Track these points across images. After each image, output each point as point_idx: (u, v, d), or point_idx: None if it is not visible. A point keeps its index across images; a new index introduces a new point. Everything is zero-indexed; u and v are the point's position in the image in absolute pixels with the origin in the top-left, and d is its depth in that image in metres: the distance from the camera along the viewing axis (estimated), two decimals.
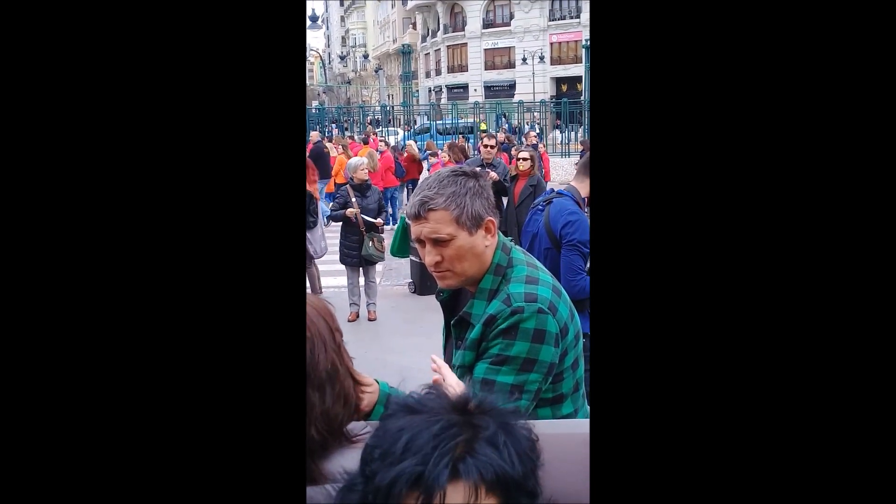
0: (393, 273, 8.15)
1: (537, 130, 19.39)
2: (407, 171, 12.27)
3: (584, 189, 3.02)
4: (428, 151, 13.41)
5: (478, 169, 1.88)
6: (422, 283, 6.83)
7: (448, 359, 1.67)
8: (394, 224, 8.76)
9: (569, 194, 3.02)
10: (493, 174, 6.47)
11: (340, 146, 13.00)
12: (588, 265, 2.91)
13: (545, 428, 1.32)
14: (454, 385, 1.20)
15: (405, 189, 12.51)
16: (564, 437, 1.24)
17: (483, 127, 22.72)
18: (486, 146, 7.16)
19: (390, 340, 5.62)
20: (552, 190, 3.19)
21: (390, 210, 10.62)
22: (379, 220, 6.11)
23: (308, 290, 2.46)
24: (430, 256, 1.50)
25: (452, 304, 1.71)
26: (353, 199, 6.03)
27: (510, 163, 7.30)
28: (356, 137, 17.56)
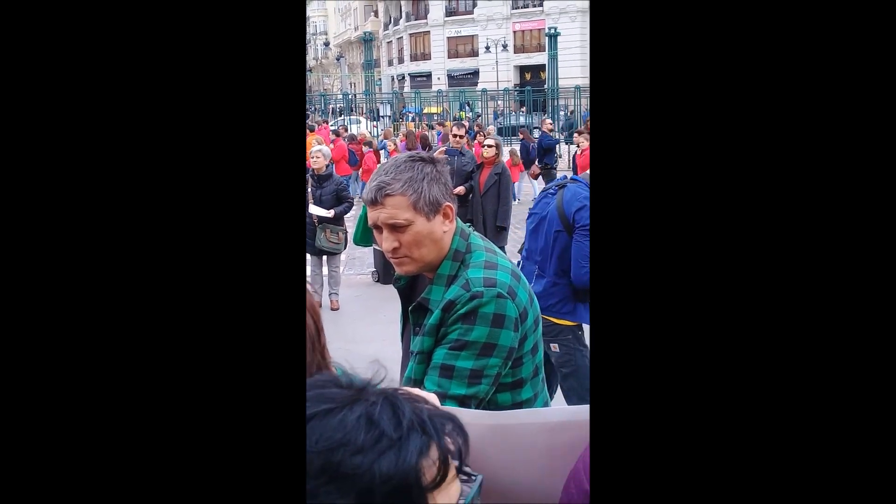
0: (356, 262, 8.11)
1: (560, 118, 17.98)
2: (360, 159, 12.14)
3: None
4: (384, 140, 13.34)
5: (436, 154, 1.86)
6: (385, 271, 6.78)
7: (406, 345, 1.65)
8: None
9: (583, 181, 3.17)
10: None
11: None
12: None
13: (507, 418, 1.32)
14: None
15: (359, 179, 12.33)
16: (528, 426, 1.24)
17: (462, 115, 22.69)
18: (454, 136, 7.12)
19: (353, 330, 5.58)
20: (564, 176, 3.34)
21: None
22: (328, 213, 5.89)
23: None
24: (387, 242, 1.48)
25: (410, 290, 1.70)
26: (309, 190, 5.92)
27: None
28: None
